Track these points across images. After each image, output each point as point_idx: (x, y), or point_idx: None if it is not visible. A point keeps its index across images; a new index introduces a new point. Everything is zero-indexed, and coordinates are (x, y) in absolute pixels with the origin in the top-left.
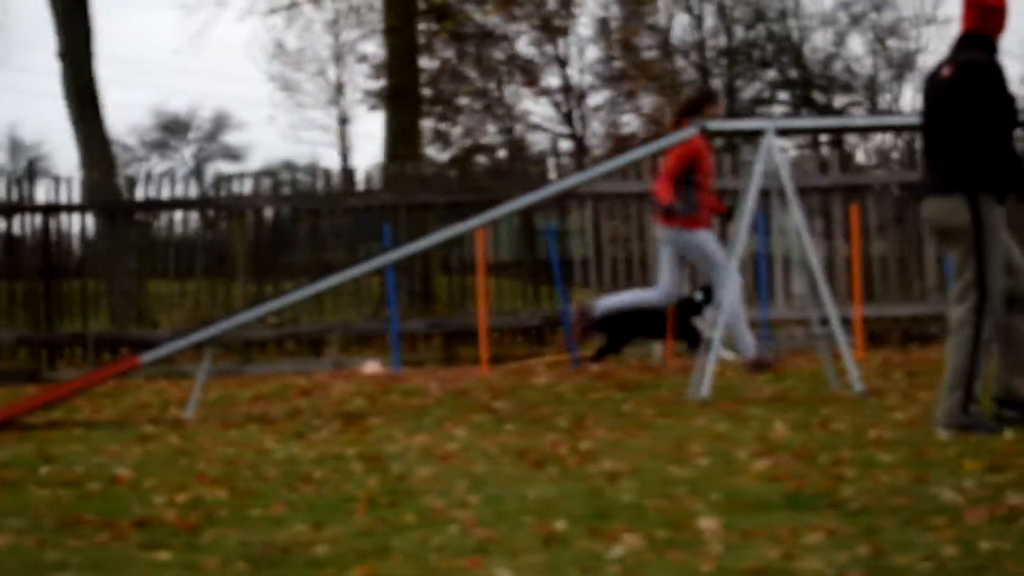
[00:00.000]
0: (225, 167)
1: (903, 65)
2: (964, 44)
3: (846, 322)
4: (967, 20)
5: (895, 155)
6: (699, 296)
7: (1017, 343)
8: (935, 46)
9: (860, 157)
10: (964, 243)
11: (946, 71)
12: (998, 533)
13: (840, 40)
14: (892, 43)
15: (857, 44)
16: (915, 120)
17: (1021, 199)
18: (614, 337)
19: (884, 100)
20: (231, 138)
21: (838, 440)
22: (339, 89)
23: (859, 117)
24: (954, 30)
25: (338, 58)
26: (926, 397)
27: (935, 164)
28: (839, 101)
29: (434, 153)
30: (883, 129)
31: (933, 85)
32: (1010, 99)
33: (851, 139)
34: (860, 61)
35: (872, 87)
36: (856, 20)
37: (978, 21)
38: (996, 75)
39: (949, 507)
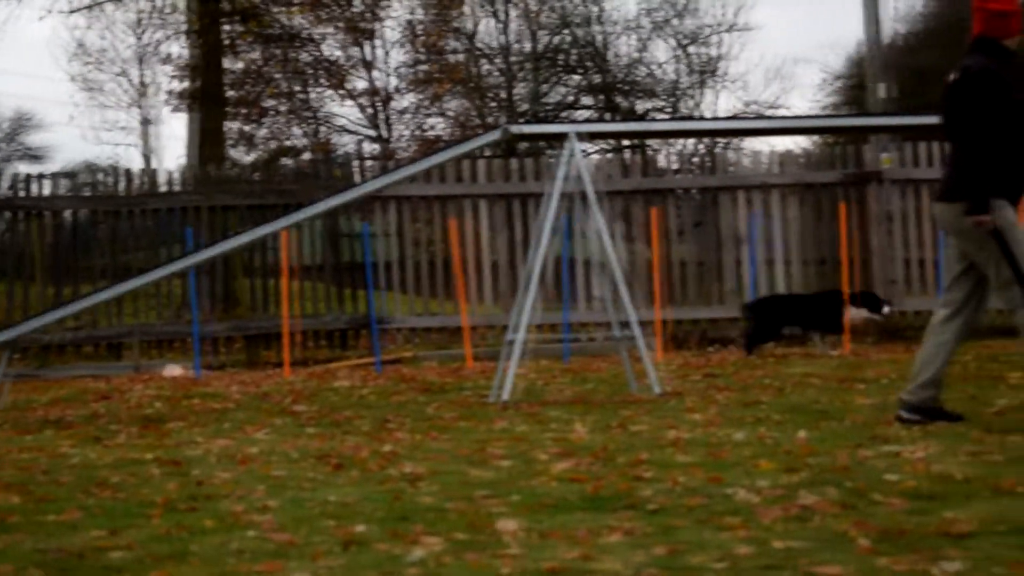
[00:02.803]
0: (25, 168)
1: (705, 71)
2: (972, 49)
3: (646, 325)
4: (975, 24)
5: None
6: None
7: (942, 358)
8: (736, 52)
9: (662, 161)
10: (986, 245)
11: (951, 77)
12: (791, 532)
13: (644, 46)
14: (694, 49)
15: (660, 50)
16: (716, 125)
17: (1013, 203)
18: (762, 326)
19: (687, 105)
20: (32, 138)
21: (637, 441)
22: (143, 90)
23: (661, 122)
24: (754, 37)
25: (141, 59)
26: (723, 398)
27: (947, 169)
28: (643, 106)
29: (239, 155)
30: (685, 134)
31: (944, 91)
32: (1015, 105)
33: (654, 144)
34: (663, 67)
35: (675, 93)
36: (659, 26)
37: (985, 25)
38: (993, 80)
39: (743, 507)
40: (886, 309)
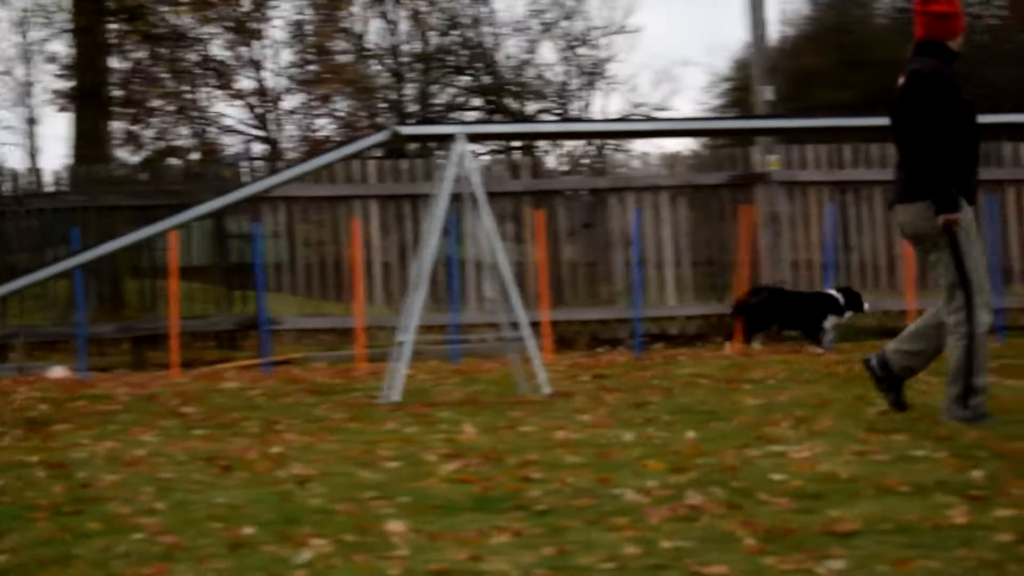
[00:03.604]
0: None
1: (593, 73)
2: (917, 52)
3: (536, 325)
4: (919, 27)
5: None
6: (834, 292)
7: (934, 345)
8: (624, 55)
9: (552, 163)
10: (938, 247)
11: (900, 81)
12: (679, 532)
13: (532, 48)
14: (583, 51)
15: (549, 52)
16: (604, 127)
17: (969, 202)
18: (753, 324)
19: (576, 107)
20: None
21: (526, 442)
22: (27, 89)
23: (550, 123)
24: (642, 40)
25: (25, 57)
26: (612, 399)
27: (901, 172)
28: (532, 108)
29: (126, 155)
30: (573, 135)
31: (893, 95)
32: (962, 106)
33: (543, 145)
34: (552, 69)
35: (564, 94)
36: (548, 28)
37: (928, 28)
38: (942, 82)
39: (632, 507)
40: (867, 306)
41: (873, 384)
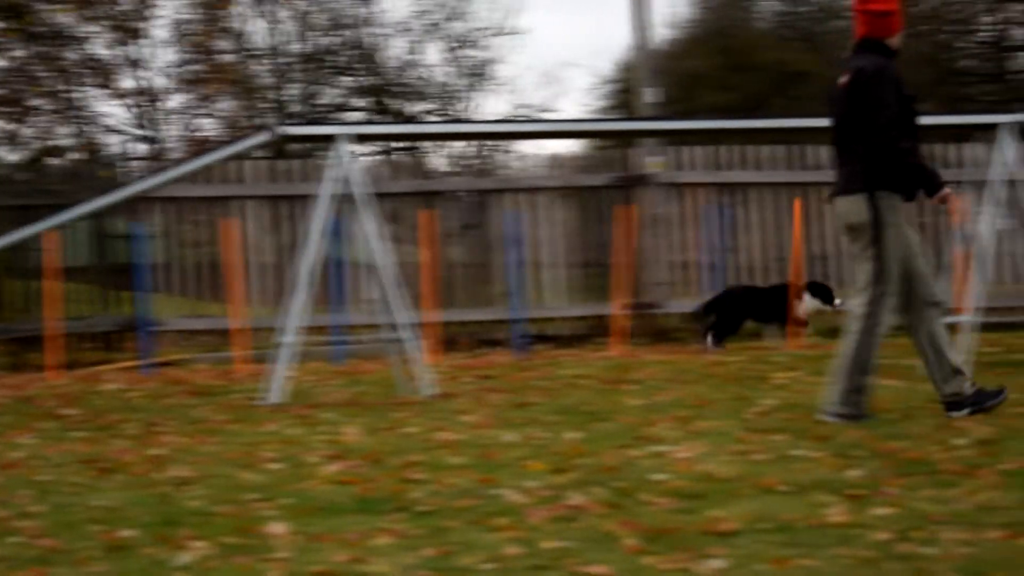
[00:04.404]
0: None
1: (478, 74)
2: (858, 50)
3: (420, 326)
4: (859, 26)
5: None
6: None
7: (942, 348)
8: (508, 56)
9: (436, 163)
10: (864, 240)
11: (842, 79)
12: (559, 532)
13: (417, 48)
14: (468, 52)
15: (434, 52)
16: (487, 128)
17: (908, 199)
18: (728, 320)
19: (460, 108)
20: None
21: (408, 443)
22: None
23: (433, 124)
24: (526, 41)
25: None
26: (496, 399)
27: (841, 167)
28: (416, 108)
29: (5, 155)
30: (458, 137)
31: (834, 93)
32: (905, 100)
33: (427, 146)
34: (436, 69)
35: (448, 95)
36: (433, 29)
37: (869, 26)
38: (886, 79)
39: (513, 508)
40: (837, 301)
41: (976, 412)
